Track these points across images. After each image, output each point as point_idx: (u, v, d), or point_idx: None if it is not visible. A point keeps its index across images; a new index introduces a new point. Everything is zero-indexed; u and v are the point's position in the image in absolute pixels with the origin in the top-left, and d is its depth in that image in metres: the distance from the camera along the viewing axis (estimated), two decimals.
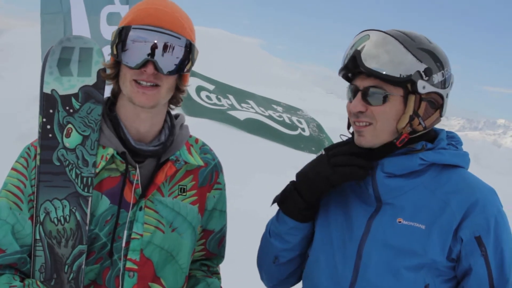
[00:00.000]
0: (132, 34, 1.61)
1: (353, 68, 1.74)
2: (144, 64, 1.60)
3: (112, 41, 1.64)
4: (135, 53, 1.60)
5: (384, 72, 1.67)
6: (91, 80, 1.71)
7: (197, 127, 7.81)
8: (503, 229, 1.71)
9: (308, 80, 21.72)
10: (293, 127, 9.79)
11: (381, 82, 1.70)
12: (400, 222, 1.72)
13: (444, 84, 1.75)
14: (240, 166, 7.65)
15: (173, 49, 1.63)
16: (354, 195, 1.83)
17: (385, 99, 1.70)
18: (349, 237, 1.78)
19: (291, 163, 8.76)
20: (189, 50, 1.67)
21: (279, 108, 10.60)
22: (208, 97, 9.50)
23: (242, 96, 10.25)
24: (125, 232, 1.69)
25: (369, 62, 1.69)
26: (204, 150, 1.91)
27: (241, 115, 9.30)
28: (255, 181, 7.38)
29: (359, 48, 1.71)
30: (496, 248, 1.68)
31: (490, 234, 1.67)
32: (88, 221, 1.66)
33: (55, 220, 1.64)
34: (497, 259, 1.68)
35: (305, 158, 7.86)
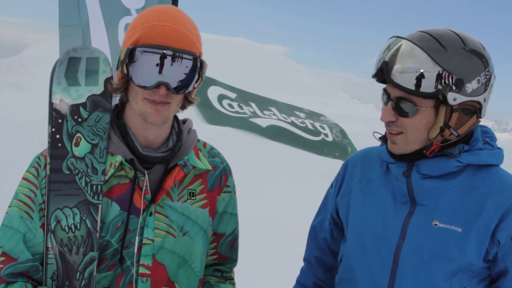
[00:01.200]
0: (142, 55, 1.60)
1: (381, 77, 1.73)
2: (157, 85, 1.61)
3: (121, 60, 1.63)
4: (147, 74, 1.61)
5: (407, 87, 1.65)
6: (99, 89, 1.74)
7: (219, 135, 7.90)
8: None
9: (332, 85, 21.70)
10: (316, 132, 9.78)
11: (410, 95, 1.67)
12: (436, 225, 1.71)
13: (482, 89, 1.70)
14: (264, 173, 7.66)
15: (183, 67, 1.63)
16: (391, 196, 1.82)
17: (415, 111, 1.69)
18: (385, 242, 1.77)
19: (315, 169, 8.77)
20: (200, 66, 1.67)
21: (302, 114, 10.59)
22: (230, 105, 9.54)
23: (264, 103, 10.28)
24: (137, 238, 1.71)
25: (396, 76, 1.67)
26: (212, 154, 1.92)
27: (263, 122, 9.32)
28: (278, 187, 7.37)
29: (387, 59, 1.70)
30: None
31: None
32: (98, 228, 1.68)
33: (66, 228, 1.67)
34: None
35: (328, 164, 7.85)
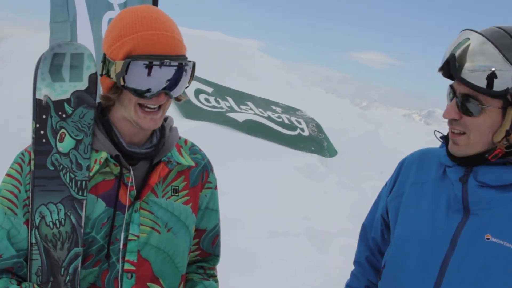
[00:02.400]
0: (141, 68, 1.61)
1: (448, 72, 1.64)
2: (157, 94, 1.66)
3: (118, 72, 1.63)
4: (148, 84, 1.63)
5: (475, 84, 1.56)
6: (83, 85, 1.74)
7: (196, 130, 7.89)
8: None
9: (307, 80, 21.75)
10: (292, 127, 9.83)
11: (477, 92, 1.58)
12: (488, 239, 1.60)
13: None
14: (240, 167, 7.68)
15: (180, 73, 1.67)
16: (444, 202, 1.72)
17: (480, 111, 1.59)
18: (432, 250, 1.68)
19: (291, 163, 8.82)
20: (192, 68, 1.72)
21: (278, 109, 10.63)
22: (206, 99, 9.53)
23: (241, 98, 10.29)
24: (122, 234, 1.72)
25: (463, 71, 1.58)
26: (194, 150, 1.94)
27: (240, 116, 9.34)
28: (255, 182, 7.41)
29: (455, 52, 1.61)
30: None
31: None
32: (83, 224, 1.68)
33: (51, 224, 1.67)
34: None
35: (305, 158, 7.91)
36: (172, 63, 1.63)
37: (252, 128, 9.12)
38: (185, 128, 7.11)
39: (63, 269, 1.67)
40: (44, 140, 1.70)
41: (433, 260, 1.67)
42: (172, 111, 8.38)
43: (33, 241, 1.67)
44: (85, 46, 1.77)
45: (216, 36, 13.30)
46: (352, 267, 2.15)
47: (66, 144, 1.71)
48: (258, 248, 5.69)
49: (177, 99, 1.80)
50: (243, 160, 7.90)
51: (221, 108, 9.51)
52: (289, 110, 10.86)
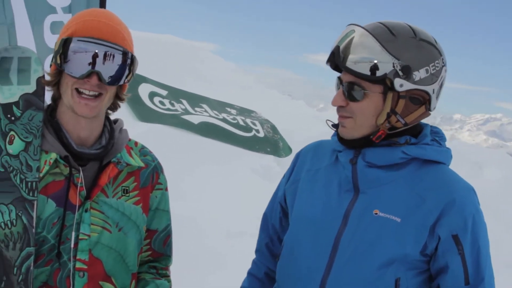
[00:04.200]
0: (76, 45, 1.69)
1: (334, 62, 1.77)
2: (88, 74, 1.69)
3: (55, 51, 1.71)
4: (79, 64, 1.69)
5: (358, 71, 1.69)
6: (31, 88, 1.77)
7: (151, 132, 7.87)
8: (480, 228, 1.73)
9: (262, 82, 21.87)
10: (247, 129, 9.88)
11: (360, 79, 1.71)
12: (376, 214, 1.73)
13: (431, 79, 1.73)
14: (196, 169, 7.70)
15: (116, 60, 1.72)
16: (337, 184, 1.84)
17: (363, 96, 1.72)
18: (325, 228, 1.79)
19: (247, 164, 8.87)
20: (131, 61, 1.77)
21: (233, 111, 10.67)
22: (161, 102, 9.49)
23: (196, 100, 10.28)
24: (73, 234, 1.76)
25: (346, 59, 1.71)
26: (144, 152, 1.99)
27: (195, 119, 9.34)
28: (211, 184, 7.43)
29: (340, 45, 1.74)
30: (472, 247, 1.71)
31: (467, 233, 1.70)
32: (34, 224, 1.71)
33: (2, 225, 1.69)
34: (473, 257, 1.71)
35: (260, 159, 7.96)
36: (107, 45, 1.70)
37: (207, 130, 9.14)
38: (140, 130, 7.10)
39: (15, 268, 1.70)
40: None
41: (326, 236, 1.78)
42: (127, 114, 8.33)
43: None
44: (32, 50, 1.81)
45: (168, 38, 13.26)
46: None
47: (15, 146, 1.73)
48: (216, 248, 5.74)
49: (119, 98, 1.85)
50: (199, 162, 7.91)
51: (176, 110, 9.49)
52: (244, 112, 10.90)
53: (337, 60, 1.74)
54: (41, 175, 1.73)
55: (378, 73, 1.68)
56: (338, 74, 1.83)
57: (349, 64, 1.71)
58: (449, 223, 1.69)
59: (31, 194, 1.72)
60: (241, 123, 10.00)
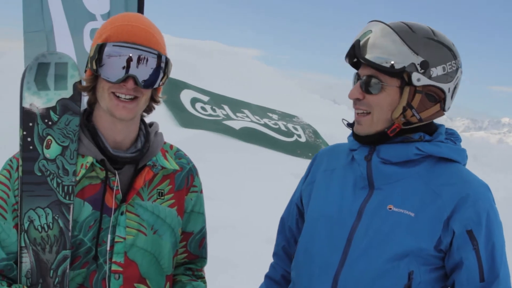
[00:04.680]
0: (111, 50, 1.71)
1: (353, 56, 1.81)
2: (124, 79, 1.71)
3: (91, 56, 1.73)
4: (115, 68, 1.71)
5: (377, 63, 1.72)
6: (68, 93, 1.80)
7: (193, 138, 7.93)
8: (495, 225, 1.72)
9: (305, 87, 21.82)
10: (289, 134, 9.88)
11: (378, 72, 1.74)
12: (390, 209, 1.75)
13: (447, 78, 1.76)
14: (237, 174, 7.73)
15: (150, 63, 1.74)
16: (352, 182, 1.86)
17: (380, 89, 1.75)
18: (339, 224, 1.81)
19: (288, 169, 8.85)
20: (165, 64, 1.78)
21: (275, 116, 10.68)
22: (203, 108, 9.58)
23: (237, 105, 10.34)
24: (109, 236, 1.77)
25: (366, 52, 1.74)
26: (179, 155, 1.99)
27: (236, 124, 9.39)
28: (252, 189, 7.44)
29: (360, 38, 1.77)
30: (487, 242, 1.70)
31: (481, 228, 1.70)
32: (70, 227, 1.73)
33: (39, 228, 1.72)
34: (488, 253, 1.70)
35: (302, 164, 7.95)
36: (142, 49, 1.72)
37: (248, 136, 9.17)
38: (182, 136, 7.17)
39: (52, 271, 1.73)
40: (31, 147, 1.76)
41: (340, 232, 1.80)
42: (168, 120, 8.44)
43: (23, 244, 1.73)
44: (68, 55, 1.84)
45: (211, 45, 13.38)
46: None
47: (52, 151, 1.76)
48: (256, 254, 5.72)
49: (154, 100, 1.86)
50: (240, 168, 7.94)
51: (218, 116, 9.56)
52: (286, 117, 10.91)
53: (357, 52, 1.77)
54: (77, 178, 1.76)
55: (397, 66, 1.71)
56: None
57: (369, 56, 1.74)
58: (463, 218, 1.69)
59: (67, 198, 1.74)
60: (283, 128, 10.00)
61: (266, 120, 10.13)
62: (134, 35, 1.72)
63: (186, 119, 8.83)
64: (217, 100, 10.17)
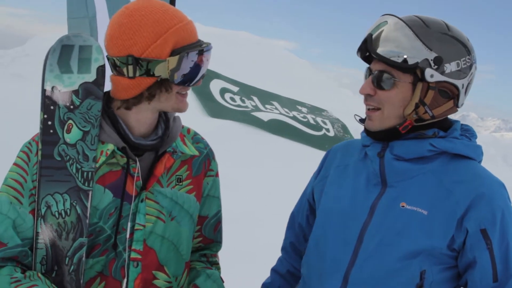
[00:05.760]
0: (190, 57, 1.69)
1: (365, 51, 1.77)
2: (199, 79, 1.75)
3: (173, 68, 1.67)
4: (192, 72, 1.71)
5: (389, 57, 1.68)
6: (91, 77, 1.75)
7: (221, 128, 7.91)
8: (510, 223, 1.68)
9: (335, 81, 21.65)
10: (317, 127, 9.80)
11: (390, 67, 1.70)
12: (403, 206, 1.71)
13: (461, 74, 1.72)
14: (265, 166, 7.69)
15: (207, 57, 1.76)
16: (365, 179, 1.83)
17: (393, 84, 1.71)
18: (352, 220, 1.78)
19: (316, 163, 8.76)
20: None
21: (304, 109, 10.61)
22: (232, 98, 9.56)
23: (266, 97, 10.30)
24: (129, 224, 1.74)
25: (378, 46, 1.70)
26: (196, 139, 1.96)
27: (265, 116, 9.35)
28: (279, 181, 7.40)
29: (372, 32, 1.73)
30: (501, 242, 1.66)
31: (496, 227, 1.65)
32: (88, 214, 1.70)
33: (56, 214, 1.69)
34: (502, 253, 1.66)
35: None
36: (208, 47, 1.74)
37: (276, 128, 9.13)
38: (210, 127, 7.16)
39: (67, 258, 1.69)
40: (51, 131, 1.72)
41: (352, 229, 1.76)
42: (197, 109, 8.43)
43: (39, 230, 1.69)
44: (93, 38, 1.79)
45: (243, 35, 13.33)
46: None
47: (73, 135, 1.72)
48: (279, 246, 5.69)
49: None
50: (266, 160, 7.89)
51: (246, 107, 9.53)
52: (315, 110, 10.83)
53: (369, 47, 1.72)
54: (97, 165, 1.72)
55: (410, 62, 1.66)
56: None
57: (381, 51, 1.70)
58: (477, 217, 1.65)
59: (86, 184, 1.70)
60: (312, 121, 9.93)
61: (295, 113, 10.07)
62: (194, 35, 1.73)
63: (214, 109, 8.82)
64: (246, 91, 10.13)
